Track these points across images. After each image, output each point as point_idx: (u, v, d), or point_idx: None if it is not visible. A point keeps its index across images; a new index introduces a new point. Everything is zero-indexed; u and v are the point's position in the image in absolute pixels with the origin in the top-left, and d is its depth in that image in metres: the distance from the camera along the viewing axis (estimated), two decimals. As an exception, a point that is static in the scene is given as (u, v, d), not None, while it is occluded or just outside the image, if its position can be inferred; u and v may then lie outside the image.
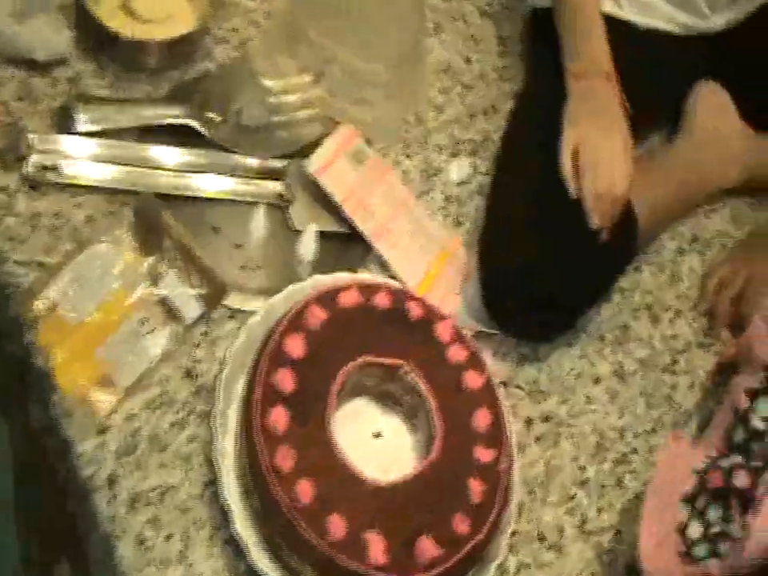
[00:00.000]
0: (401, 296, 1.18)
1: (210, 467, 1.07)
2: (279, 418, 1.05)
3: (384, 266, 1.27)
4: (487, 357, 1.22)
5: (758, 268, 1.39)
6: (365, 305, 1.15)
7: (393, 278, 1.26)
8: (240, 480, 1.07)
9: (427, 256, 1.29)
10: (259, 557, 1.04)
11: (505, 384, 1.26)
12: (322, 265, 1.24)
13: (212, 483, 1.07)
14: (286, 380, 1.07)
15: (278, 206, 1.28)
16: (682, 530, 1.16)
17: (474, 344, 1.19)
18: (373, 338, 1.14)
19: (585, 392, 1.30)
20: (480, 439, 1.12)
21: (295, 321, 1.12)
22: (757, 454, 1.16)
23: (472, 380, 1.15)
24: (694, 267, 1.45)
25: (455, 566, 1.05)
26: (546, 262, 1.24)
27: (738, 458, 1.18)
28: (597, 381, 1.32)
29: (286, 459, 1.03)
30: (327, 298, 1.14)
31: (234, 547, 1.05)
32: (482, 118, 1.44)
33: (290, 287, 1.17)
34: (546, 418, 1.26)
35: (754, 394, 1.21)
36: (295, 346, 1.09)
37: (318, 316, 1.12)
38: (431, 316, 1.18)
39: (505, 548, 1.11)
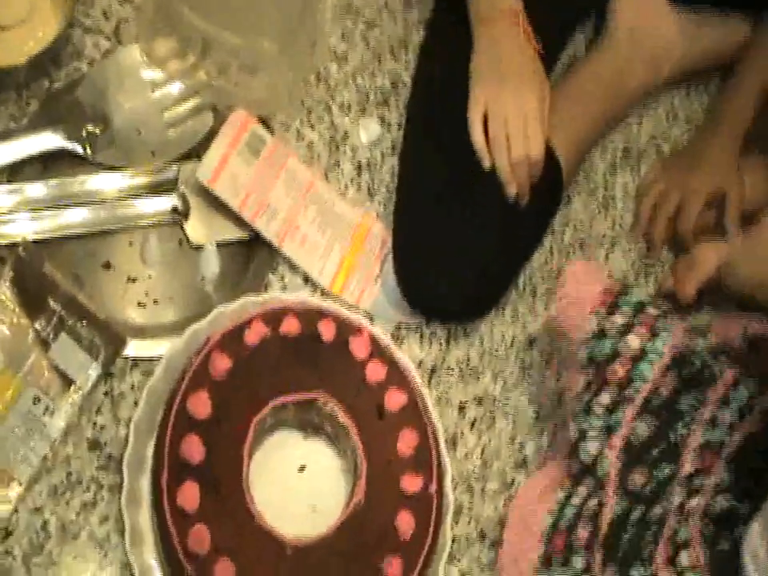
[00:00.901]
0: (310, 317, 1.11)
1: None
2: (189, 495, 1.00)
3: (294, 268, 1.20)
4: (414, 345, 1.19)
5: (692, 182, 1.30)
6: (272, 337, 1.09)
7: (305, 279, 1.19)
8: (159, 560, 1.04)
9: (340, 245, 1.22)
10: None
11: (433, 370, 1.20)
12: (228, 278, 1.18)
13: (129, 565, 1.02)
14: (193, 448, 1.02)
15: (176, 223, 1.18)
16: None
17: (392, 355, 1.13)
18: (284, 374, 1.08)
19: (519, 360, 1.25)
20: (407, 466, 1.08)
21: (197, 376, 1.05)
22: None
23: (393, 400, 1.10)
24: (628, 186, 1.36)
25: None
26: (463, 238, 1.17)
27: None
28: (531, 344, 1.26)
29: (200, 541, 0.99)
30: (230, 340, 1.08)
31: None
32: (390, 58, 1.32)
33: (188, 331, 1.09)
34: (480, 400, 1.21)
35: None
36: (199, 406, 1.04)
37: (221, 365, 1.06)
38: (345, 333, 1.11)
39: (443, 572, 1.09)
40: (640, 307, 1.12)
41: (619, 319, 1.11)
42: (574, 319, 1.13)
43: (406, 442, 1.08)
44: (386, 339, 1.15)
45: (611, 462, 1.08)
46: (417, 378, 1.14)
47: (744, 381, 1.13)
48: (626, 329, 1.10)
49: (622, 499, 1.08)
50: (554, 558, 1.10)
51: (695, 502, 1.10)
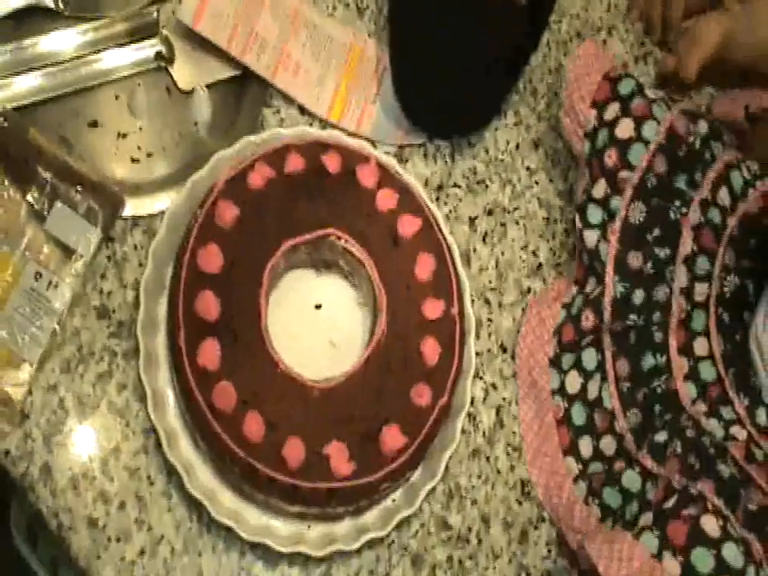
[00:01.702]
0: (313, 151, 1.06)
1: (147, 412, 0.99)
2: (210, 353, 0.96)
3: (289, 100, 1.14)
4: (419, 164, 1.15)
5: None
6: (277, 178, 1.03)
7: (302, 110, 1.14)
8: (183, 420, 1.01)
9: (335, 69, 1.16)
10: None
11: (440, 188, 1.17)
12: (222, 120, 1.12)
13: (152, 430, 0.99)
14: (209, 305, 0.97)
15: (162, 69, 1.11)
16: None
17: (401, 180, 1.09)
18: (294, 214, 1.04)
19: (526, 164, 1.21)
20: (427, 292, 1.05)
21: (205, 229, 1.00)
22: None
23: (407, 226, 1.06)
24: (624, -39, 1.28)
25: (423, 441, 1.01)
26: (463, 46, 1.12)
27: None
28: (536, 146, 1.22)
29: (225, 398, 0.96)
30: (235, 186, 1.02)
31: (189, 501, 0.99)
32: None
33: (188, 182, 1.03)
34: (490, 212, 1.18)
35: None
36: (210, 260, 0.99)
37: (228, 214, 1.00)
38: (351, 163, 1.06)
39: (469, 391, 1.07)
40: (638, 90, 1.09)
41: (617, 105, 1.09)
42: (578, 115, 1.11)
43: (424, 266, 1.06)
44: (393, 164, 1.11)
45: (611, 245, 1.08)
46: (427, 200, 1.10)
47: (740, 165, 1.11)
48: (623, 113, 1.08)
49: (623, 280, 1.08)
50: (564, 352, 1.12)
51: (704, 287, 1.09)
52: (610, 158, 1.08)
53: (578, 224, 1.11)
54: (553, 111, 1.21)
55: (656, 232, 1.08)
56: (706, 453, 1.02)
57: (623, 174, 1.08)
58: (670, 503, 0.98)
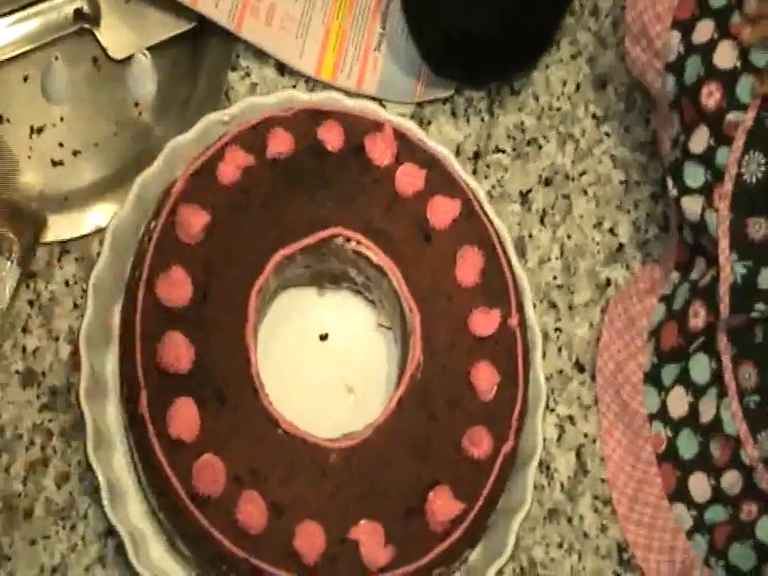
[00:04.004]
0: (304, 124, 0.90)
1: (100, 509, 0.83)
2: (184, 417, 0.81)
3: (263, 57, 0.98)
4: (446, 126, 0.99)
5: None
6: (257, 166, 0.87)
7: (280, 68, 0.98)
8: (150, 516, 0.86)
9: (320, 8, 0.99)
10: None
11: (477, 155, 1.00)
12: (170, 95, 0.95)
13: (109, 533, 0.85)
14: (178, 351, 0.82)
15: (85, 32, 0.95)
16: None
17: (428, 150, 0.92)
18: (284, 213, 0.88)
19: (591, 110, 1.04)
20: (474, 300, 0.89)
21: (164, 247, 0.84)
22: None
23: (441, 212, 0.90)
24: None
25: (484, 505, 0.85)
26: None
27: None
28: (602, 84, 1.04)
29: (210, 476, 0.80)
30: (199, 184, 0.86)
31: None
32: None
33: (135, 186, 0.87)
34: (548, 181, 1.01)
35: None
36: (175, 288, 0.83)
37: (195, 223, 0.84)
38: (357, 134, 0.90)
39: (540, 430, 0.90)
40: (737, 2, 0.92)
41: (711, 24, 0.93)
42: (653, 40, 0.95)
43: (467, 266, 0.90)
44: (414, 130, 0.94)
45: (722, 214, 0.92)
46: (463, 173, 0.94)
47: None
48: (720, 35, 0.92)
49: (743, 258, 0.92)
50: (664, 362, 0.97)
51: None
52: (711, 95, 0.92)
53: (672, 190, 0.95)
54: (622, 34, 1.03)
55: None
56: None
57: (731, 116, 0.91)
58: None
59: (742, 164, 0.92)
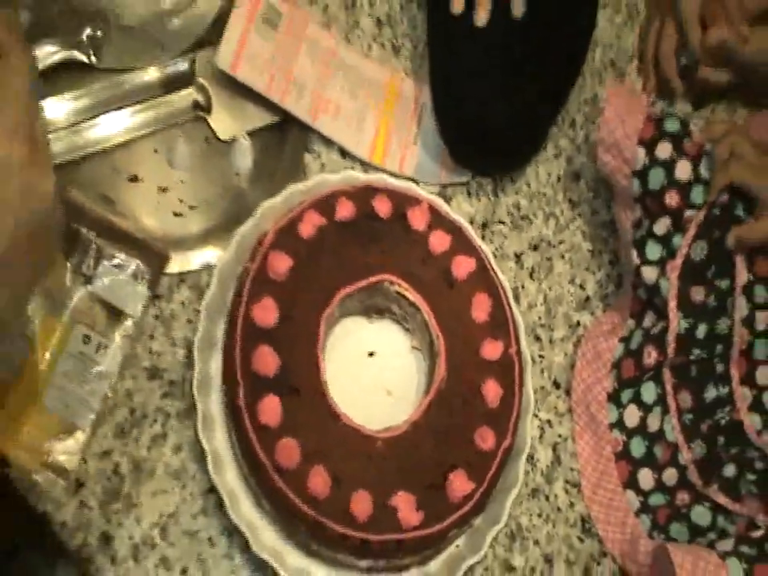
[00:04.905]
0: (362, 196, 1.02)
1: (204, 473, 0.95)
2: (270, 409, 0.92)
3: (330, 144, 1.10)
4: (463, 203, 1.12)
5: None
6: (328, 225, 1.00)
7: (342, 153, 1.10)
8: (244, 480, 0.97)
9: (373, 109, 1.12)
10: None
11: (485, 225, 1.14)
12: (263, 169, 1.08)
13: (211, 491, 0.96)
14: (267, 360, 0.93)
15: (200, 119, 1.07)
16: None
17: (452, 221, 1.05)
18: (347, 262, 1.01)
19: (568, 196, 1.18)
20: (485, 333, 1.02)
21: (258, 282, 0.96)
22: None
23: (462, 267, 1.03)
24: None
25: (489, 485, 0.98)
26: (504, 86, 1.08)
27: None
28: (576, 177, 1.19)
29: (289, 454, 0.92)
30: (285, 236, 0.98)
31: (254, 562, 0.96)
32: None
33: (236, 235, 1.00)
34: (535, 247, 1.15)
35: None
36: (266, 313, 0.95)
37: (281, 265, 0.96)
38: (401, 206, 1.03)
39: (529, 430, 1.04)
40: (684, 128, 1.06)
41: (669, 145, 1.06)
42: (623, 152, 1.07)
43: (480, 307, 1.02)
44: (442, 205, 1.07)
45: (672, 282, 1.05)
46: (477, 239, 1.07)
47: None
48: (678, 154, 1.05)
49: (686, 315, 1.05)
50: (623, 387, 1.09)
51: (764, 315, 1.05)
52: (672, 198, 1.06)
53: (635, 260, 1.08)
54: (592, 142, 1.18)
55: (715, 265, 1.05)
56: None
57: (688, 213, 1.05)
58: (757, 537, 0.97)
59: (691, 247, 1.04)
